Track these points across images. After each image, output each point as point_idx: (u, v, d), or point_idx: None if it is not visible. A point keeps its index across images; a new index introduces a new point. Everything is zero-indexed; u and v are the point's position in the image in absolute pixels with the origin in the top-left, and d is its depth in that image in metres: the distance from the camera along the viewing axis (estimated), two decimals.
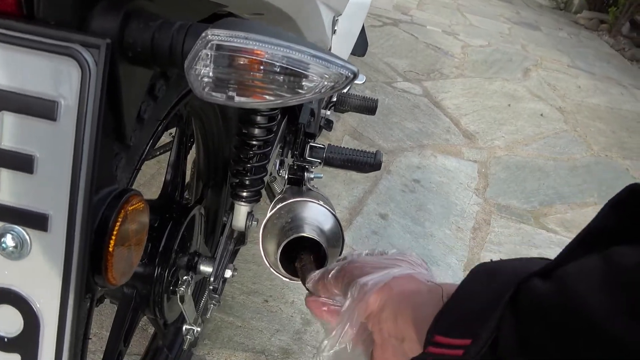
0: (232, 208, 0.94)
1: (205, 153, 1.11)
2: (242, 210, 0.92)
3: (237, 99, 0.38)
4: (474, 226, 1.90)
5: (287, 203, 0.78)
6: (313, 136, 1.07)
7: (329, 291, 0.56)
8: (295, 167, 0.99)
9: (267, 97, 0.38)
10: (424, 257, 1.71)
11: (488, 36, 3.69)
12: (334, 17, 1.10)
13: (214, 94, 0.38)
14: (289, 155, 1.03)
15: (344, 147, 1.09)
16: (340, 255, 0.81)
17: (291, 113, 1.00)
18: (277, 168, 1.04)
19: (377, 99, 1.62)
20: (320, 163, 1.06)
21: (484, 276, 0.36)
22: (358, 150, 1.09)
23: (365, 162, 1.07)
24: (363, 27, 2.05)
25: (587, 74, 3.46)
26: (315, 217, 0.76)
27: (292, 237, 0.70)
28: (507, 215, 2.00)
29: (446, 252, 1.76)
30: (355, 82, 1.83)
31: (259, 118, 0.87)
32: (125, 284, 0.80)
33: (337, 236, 0.77)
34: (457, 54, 3.21)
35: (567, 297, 0.27)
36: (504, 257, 1.56)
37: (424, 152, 2.22)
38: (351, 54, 2.00)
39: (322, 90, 0.37)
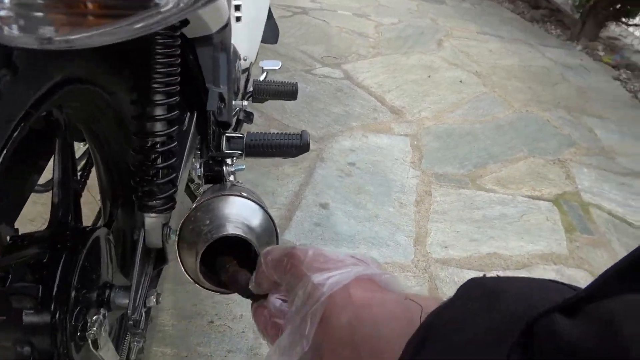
0: (143, 223, 0.79)
1: (105, 166, 0.95)
2: (154, 223, 0.78)
3: (57, 37, 0.25)
4: (416, 199, 1.85)
5: (203, 202, 0.65)
6: (227, 125, 0.94)
7: (271, 284, 0.44)
8: (210, 163, 0.85)
9: (105, 23, 0.25)
10: (372, 240, 1.62)
11: (398, 14, 3.69)
12: None
13: (17, 34, 0.25)
14: (204, 151, 0.89)
15: (265, 133, 0.97)
16: None
17: (195, 100, 0.86)
18: (192, 168, 0.90)
19: (296, 82, 1.51)
20: (241, 154, 0.93)
21: (482, 299, 0.25)
22: (281, 133, 0.97)
23: (292, 145, 0.95)
24: (271, 12, 1.93)
25: (496, 38, 3.55)
26: (239, 212, 0.64)
27: (212, 240, 0.57)
28: (446, 183, 1.97)
29: (393, 230, 1.69)
30: (271, 67, 1.71)
31: (156, 109, 0.73)
32: (17, 342, 0.64)
33: (268, 231, 0.65)
34: (371, 34, 3.18)
35: (614, 343, 0.17)
36: (450, 225, 1.50)
37: (355, 134, 2.15)
38: (262, 42, 1.88)
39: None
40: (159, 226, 0.79)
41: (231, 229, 0.58)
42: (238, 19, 1.69)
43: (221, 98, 0.91)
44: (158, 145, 0.75)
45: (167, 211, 0.77)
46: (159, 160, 0.75)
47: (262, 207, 0.68)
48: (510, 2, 5.07)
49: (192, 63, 0.86)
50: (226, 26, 0.85)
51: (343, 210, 1.73)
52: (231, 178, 0.95)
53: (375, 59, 2.86)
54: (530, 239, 1.76)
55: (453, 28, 3.59)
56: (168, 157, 0.76)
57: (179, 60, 0.73)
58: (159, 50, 0.70)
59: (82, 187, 1.12)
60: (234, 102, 1.18)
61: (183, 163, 0.86)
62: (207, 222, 0.61)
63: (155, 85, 0.72)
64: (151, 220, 0.78)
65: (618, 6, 3.95)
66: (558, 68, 3.25)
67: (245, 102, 1.34)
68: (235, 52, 1.39)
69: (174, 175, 0.78)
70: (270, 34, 1.95)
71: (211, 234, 0.58)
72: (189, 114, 0.90)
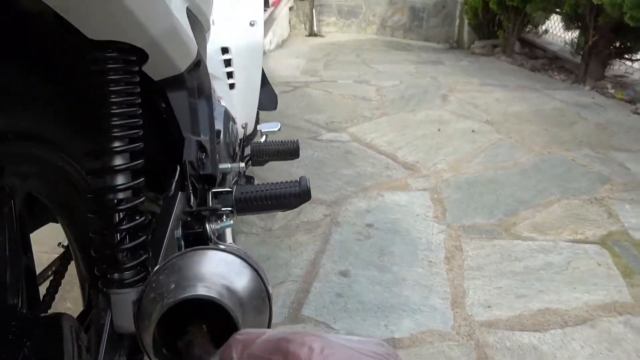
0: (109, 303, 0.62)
1: (77, 241, 0.80)
2: (121, 300, 0.60)
3: None
4: (446, 256, 1.64)
5: (168, 262, 0.48)
6: (213, 180, 0.79)
7: None
8: (189, 220, 0.69)
9: None
10: (402, 307, 1.40)
11: (398, 77, 3.69)
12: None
13: None
14: (184, 209, 0.74)
15: (258, 184, 0.82)
16: (269, 321, 0.51)
17: (174, 151, 0.72)
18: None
19: (297, 140, 1.38)
20: (231, 211, 0.78)
21: None
22: (277, 182, 0.82)
23: (290, 194, 0.80)
24: (266, 79, 1.87)
25: (500, 88, 3.48)
26: (216, 270, 0.47)
27: (167, 307, 0.40)
28: (477, 235, 1.77)
29: (426, 293, 1.47)
30: (270, 130, 1.61)
31: (114, 159, 0.59)
32: None
33: (257, 293, 0.48)
34: (374, 97, 3.13)
35: None
36: (489, 281, 1.29)
37: (369, 194, 1.99)
38: (260, 109, 1.80)
39: None
40: (128, 304, 0.61)
41: (197, 290, 0.41)
42: (232, 86, 1.62)
43: (201, 148, 0.78)
44: (122, 202, 0.60)
45: (137, 284, 0.60)
46: (123, 221, 0.60)
47: (247, 262, 0.52)
48: (507, 56, 5.10)
49: (165, 110, 0.73)
50: (199, 65, 0.73)
51: (366, 276, 1.53)
52: (229, 240, 0.78)
53: (381, 119, 2.78)
54: (585, 289, 1.52)
55: (455, 83, 3.55)
56: (133, 217, 0.61)
57: (139, 100, 0.60)
58: (113, 89, 0.57)
59: (60, 269, 0.96)
60: (230, 165, 1.05)
61: (160, 224, 0.70)
62: (172, 286, 0.44)
63: (114, 131, 0.58)
64: (117, 297, 0.61)
65: (617, 44, 3.91)
66: (571, 108, 3.13)
67: (242, 165, 1.21)
68: (228, 113, 1.29)
69: (143, 238, 0.62)
70: (268, 100, 1.88)
71: (170, 298, 0.41)
72: (169, 168, 0.76)
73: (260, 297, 0.50)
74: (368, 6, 6.97)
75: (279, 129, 1.55)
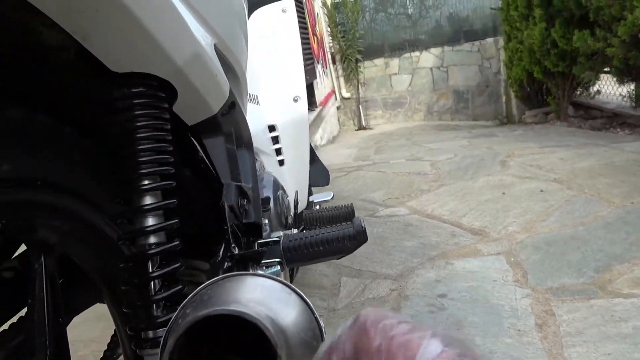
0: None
1: (119, 314, 0.74)
2: None
3: None
4: (536, 323, 1.42)
5: (198, 292, 0.40)
6: (258, 230, 0.72)
7: None
8: (229, 267, 0.62)
9: None
10: None
11: (451, 151, 3.61)
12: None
13: None
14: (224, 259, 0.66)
15: (307, 231, 0.74)
16: None
17: (213, 200, 0.67)
18: None
19: (351, 204, 1.31)
20: (279, 262, 0.69)
21: None
22: (327, 227, 0.74)
23: (344, 237, 0.70)
24: (316, 155, 1.86)
25: (562, 147, 3.30)
26: (253, 296, 0.38)
27: (188, 325, 0.31)
28: (569, 297, 1.53)
29: None
30: (323, 200, 1.55)
31: (143, 198, 0.55)
32: None
33: (305, 325, 0.38)
34: (429, 171, 3.05)
35: None
36: (594, 347, 1.08)
37: (437, 264, 1.83)
38: (313, 185, 1.77)
39: None
40: None
41: (225, 306, 0.32)
42: (281, 162, 1.61)
43: (242, 194, 0.72)
44: (152, 247, 0.54)
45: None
46: (159, 291, 0.54)
47: (292, 289, 0.43)
48: (562, 121, 4.92)
49: (201, 160, 0.69)
50: (234, 107, 0.70)
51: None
52: None
53: (439, 190, 2.66)
54: None
55: (513, 150, 3.41)
56: (167, 262, 0.54)
57: (170, 137, 0.57)
58: (142, 123, 0.54)
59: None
60: (282, 232, 0.98)
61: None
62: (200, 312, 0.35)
63: (142, 167, 0.54)
64: (149, 358, 0.52)
65: None
66: None
67: (295, 230, 1.14)
68: (277, 182, 1.25)
69: (178, 288, 0.55)
70: (320, 176, 1.85)
71: (187, 319, 0.32)
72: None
73: (310, 328, 0.40)
74: (412, 95, 7.16)
75: (331, 198, 1.49)
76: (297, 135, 1.61)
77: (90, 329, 1.47)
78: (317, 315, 0.42)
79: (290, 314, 0.40)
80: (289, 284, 0.44)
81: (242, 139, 0.78)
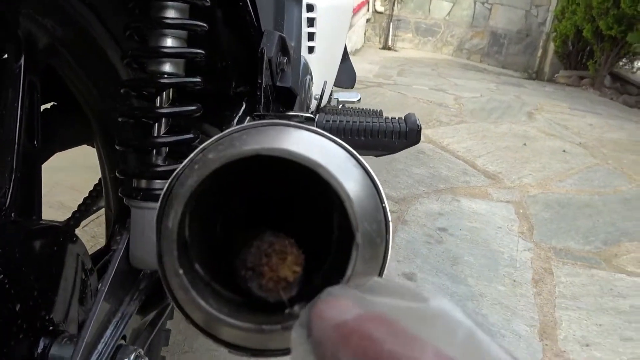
0: (127, 214, 0.43)
1: (107, 155, 0.62)
2: (143, 219, 0.41)
3: None
4: (533, 278, 1.36)
5: (223, 136, 0.27)
6: (291, 99, 0.59)
7: None
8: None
9: None
10: (479, 326, 1.14)
11: (478, 91, 3.40)
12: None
13: None
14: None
15: (349, 110, 0.61)
16: (383, 264, 0.28)
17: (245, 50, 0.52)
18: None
19: (381, 110, 1.16)
20: None
21: None
22: (364, 110, 0.61)
23: (392, 132, 0.57)
24: (347, 54, 1.67)
25: (593, 114, 3.12)
26: (312, 148, 0.25)
27: (212, 168, 0.18)
28: (571, 260, 1.47)
29: (508, 316, 1.19)
30: (348, 99, 1.40)
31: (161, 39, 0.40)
32: None
33: (371, 220, 0.26)
34: (451, 105, 2.87)
35: None
36: (587, 315, 1.00)
37: (443, 197, 1.73)
38: (337, 85, 1.61)
39: None
40: (151, 225, 0.41)
41: (276, 144, 0.20)
42: (311, 49, 1.43)
43: (284, 49, 0.57)
44: (165, 76, 0.41)
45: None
46: (163, 103, 0.40)
47: (356, 157, 0.30)
48: (595, 89, 4.67)
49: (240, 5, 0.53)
50: None
51: (435, 284, 1.27)
52: None
53: (459, 126, 2.51)
54: None
55: (542, 104, 3.22)
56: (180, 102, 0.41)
57: None
58: None
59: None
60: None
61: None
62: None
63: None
64: (139, 214, 0.41)
65: None
66: None
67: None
68: (307, 65, 1.09)
69: (189, 136, 0.42)
70: (346, 77, 1.68)
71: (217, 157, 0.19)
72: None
73: (376, 219, 0.28)
74: (447, 26, 6.71)
75: (358, 100, 1.34)
76: (336, 23, 1.42)
77: (76, 176, 1.37)
78: (384, 201, 0.30)
79: (358, 195, 0.27)
80: (356, 154, 0.31)
81: None
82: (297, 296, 0.21)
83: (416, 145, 1.94)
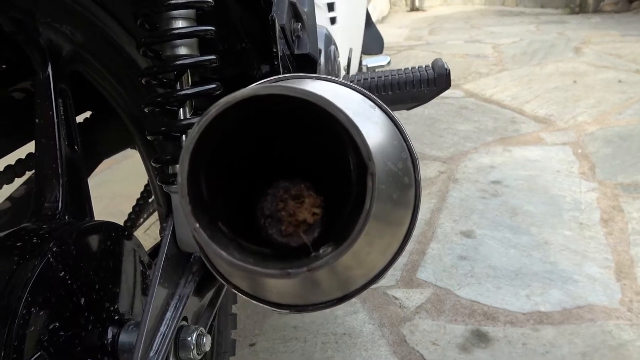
0: (168, 205, 0.44)
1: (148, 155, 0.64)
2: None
3: None
4: (602, 218, 1.29)
5: (257, 85, 0.27)
6: (312, 64, 0.58)
7: None
8: None
9: None
10: (548, 275, 1.04)
11: (517, 35, 3.22)
12: None
13: None
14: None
15: (369, 72, 0.60)
16: (416, 204, 0.28)
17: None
18: None
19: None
20: None
21: None
22: (399, 69, 0.59)
23: (419, 81, 0.55)
24: (371, 20, 1.63)
25: None
26: (323, 90, 0.25)
27: (222, 107, 0.18)
28: None
29: (578, 260, 1.14)
30: (377, 64, 1.37)
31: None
32: None
33: (396, 159, 0.25)
34: (490, 54, 2.75)
35: None
36: None
37: (493, 149, 1.67)
38: (365, 53, 1.58)
39: None
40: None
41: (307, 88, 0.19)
42: (332, 20, 1.40)
43: (296, 15, 0.56)
44: (182, 57, 0.41)
45: None
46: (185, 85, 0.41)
47: (379, 104, 0.30)
48: None
49: None
50: None
51: (496, 237, 1.24)
52: None
53: (501, 75, 2.40)
54: None
55: (589, 36, 3.00)
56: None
57: None
58: None
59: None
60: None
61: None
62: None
63: None
64: (176, 196, 0.42)
65: None
66: None
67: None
68: (329, 36, 1.07)
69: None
70: (374, 43, 1.64)
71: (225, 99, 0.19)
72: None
73: (400, 158, 0.27)
74: None
75: (388, 63, 1.31)
76: None
77: (131, 184, 1.43)
78: (408, 139, 0.29)
79: (377, 135, 0.27)
80: (373, 96, 0.30)
81: None
82: (321, 239, 0.20)
83: (457, 102, 1.89)
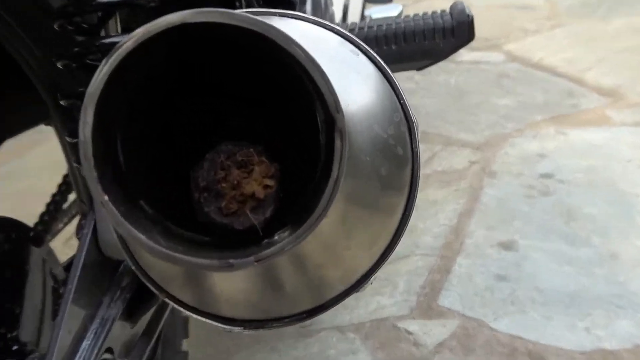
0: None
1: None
2: None
3: None
4: None
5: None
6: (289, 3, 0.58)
7: None
8: None
9: None
10: (616, 300, 1.04)
11: None
12: None
13: None
14: None
15: (370, 20, 0.61)
16: (413, 183, 0.27)
17: None
18: None
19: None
20: None
21: None
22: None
23: (433, 29, 0.55)
24: None
25: None
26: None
27: (140, 39, 0.18)
28: None
29: None
30: (387, 13, 1.40)
31: None
32: None
33: (385, 123, 0.25)
34: (538, 6, 2.78)
35: None
36: None
37: (543, 132, 1.71)
38: (370, 1, 1.62)
39: None
40: None
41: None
42: None
43: None
44: None
45: None
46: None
47: (366, 52, 0.30)
48: None
49: None
50: None
51: (545, 249, 1.27)
52: None
53: (554, 32, 2.44)
54: None
55: None
56: None
57: None
58: None
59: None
60: None
61: None
62: None
63: None
64: None
65: None
66: None
67: None
68: None
69: None
70: None
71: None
72: None
73: (391, 121, 0.27)
74: None
75: (399, 15, 1.33)
76: None
77: (50, 179, 1.43)
78: (403, 97, 0.28)
79: (358, 87, 0.26)
80: (357, 40, 0.30)
81: None
82: (277, 221, 0.20)
83: (495, 69, 1.90)
